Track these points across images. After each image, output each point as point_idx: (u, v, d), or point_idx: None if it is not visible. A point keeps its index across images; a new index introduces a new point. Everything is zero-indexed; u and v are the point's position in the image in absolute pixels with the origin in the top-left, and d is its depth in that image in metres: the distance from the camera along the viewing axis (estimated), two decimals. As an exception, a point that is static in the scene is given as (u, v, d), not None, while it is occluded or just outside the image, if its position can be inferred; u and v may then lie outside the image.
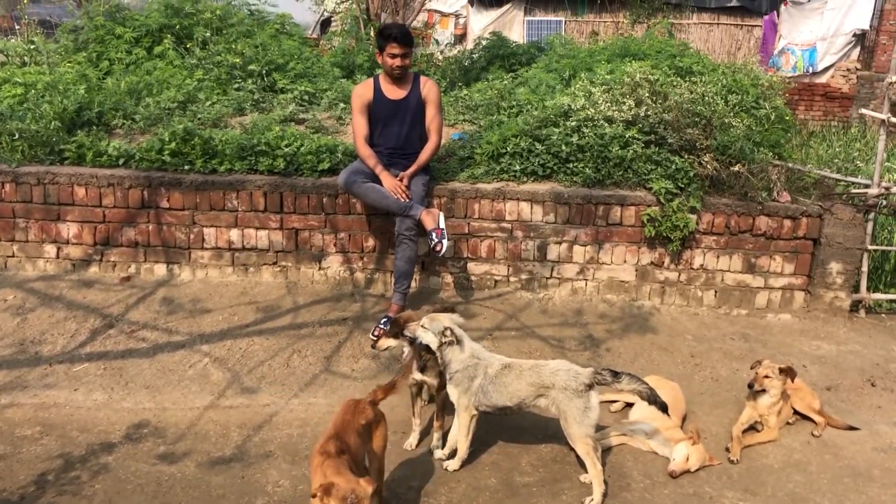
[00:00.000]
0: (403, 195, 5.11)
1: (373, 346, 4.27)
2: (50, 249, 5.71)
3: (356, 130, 5.31)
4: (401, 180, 5.17)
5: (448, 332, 3.66)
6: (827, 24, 16.10)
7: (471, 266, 5.69)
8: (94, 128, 6.04)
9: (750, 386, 4.14)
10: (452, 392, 3.70)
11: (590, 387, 3.53)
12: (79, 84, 6.42)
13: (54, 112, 5.87)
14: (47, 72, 6.92)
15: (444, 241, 5.06)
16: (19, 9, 9.99)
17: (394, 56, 5.14)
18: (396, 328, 3.89)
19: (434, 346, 3.69)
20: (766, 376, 4.11)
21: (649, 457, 3.94)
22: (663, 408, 3.63)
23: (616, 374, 3.55)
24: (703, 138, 5.57)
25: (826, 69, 16.28)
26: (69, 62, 7.29)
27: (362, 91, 5.33)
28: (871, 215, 5.65)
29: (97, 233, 5.66)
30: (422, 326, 3.71)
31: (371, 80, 5.41)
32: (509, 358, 3.81)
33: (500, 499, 3.56)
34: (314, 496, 2.65)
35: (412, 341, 3.76)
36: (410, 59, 5.27)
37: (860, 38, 15.92)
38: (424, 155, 5.33)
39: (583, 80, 6.39)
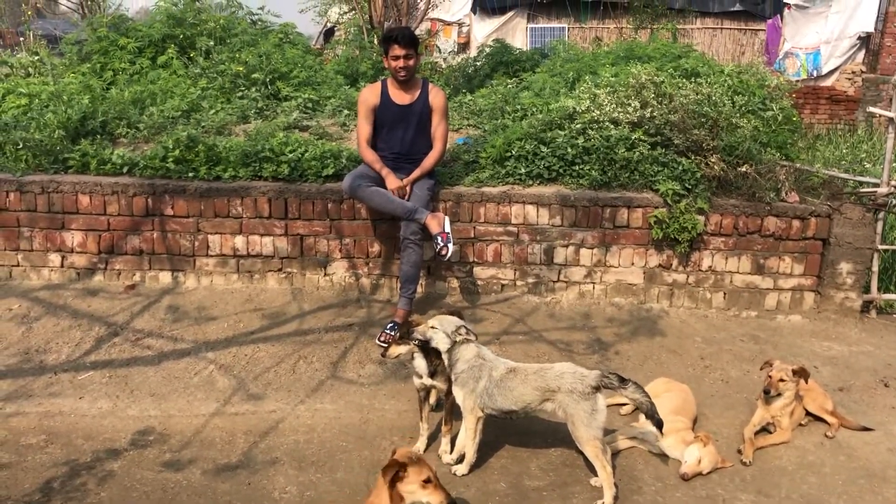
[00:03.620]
0: (406, 196, 5.08)
1: (382, 356, 4.15)
2: (54, 258, 5.69)
3: (359, 134, 5.30)
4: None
5: (463, 330, 3.63)
6: (831, 27, 16.09)
7: (477, 270, 5.65)
8: (98, 137, 6.02)
9: (766, 392, 4.07)
10: (458, 393, 3.65)
11: (596, 389, 3.47)
12: (83, 94, 6.42)
13: (58, 121, 5.86)
14: (51, 82, 6.94)
15: (450, 246, 5.02)
16: (23, 22, 10.04)
17: (396, 58, 5.09)
18: (405, 329, 3.82)
19: (445, 347, 3.63)
20: (781, 379, 4.05)
21: (660, 460, 3.89)
22: (659, 425, 3.58)
23: (623, 381, 3.50)
24: (709, 139, 5.53)
25: (831, 72, 16.26)
26: (73, 73, 7.30)
27: (368, 95, 5.30)
28: (881, 214, 5.60)
29: (102, 241, 5.64)
30: (431, 327, 3.66)
31: (379, 83, 5.38)
32: (515, 362, 3.76)
33: (509, 503, 3.51)
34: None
35: (423, 343, 3.69)
36: (415, 61, 5.19)
37: (865, 40, 15.90)
38: (428, 162, 5.31)
39: (587, 83, 6.36)
